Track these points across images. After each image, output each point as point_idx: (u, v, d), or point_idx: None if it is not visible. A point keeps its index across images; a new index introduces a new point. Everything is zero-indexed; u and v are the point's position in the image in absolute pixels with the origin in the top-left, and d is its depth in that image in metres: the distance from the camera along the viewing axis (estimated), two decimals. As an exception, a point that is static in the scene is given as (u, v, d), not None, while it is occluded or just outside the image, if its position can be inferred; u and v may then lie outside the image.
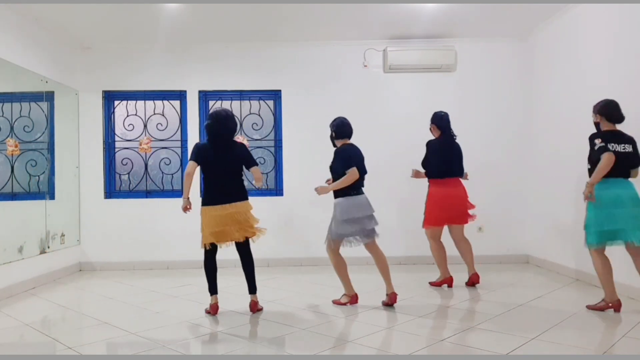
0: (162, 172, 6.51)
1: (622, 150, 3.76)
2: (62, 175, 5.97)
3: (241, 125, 6.55)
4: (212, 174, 4.10)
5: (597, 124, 4.00)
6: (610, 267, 3.90)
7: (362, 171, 4.28)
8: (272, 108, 6.62)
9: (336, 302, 4.32)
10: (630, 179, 3.86)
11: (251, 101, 6.59)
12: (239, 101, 6.58)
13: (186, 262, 6.11)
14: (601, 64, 4.84)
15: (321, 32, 6.17)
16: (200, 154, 4.08)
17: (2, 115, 5.24)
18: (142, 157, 6.50)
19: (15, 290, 4.93)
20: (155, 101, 6.55)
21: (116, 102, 6.56)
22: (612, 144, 3.76)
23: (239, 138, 6.49)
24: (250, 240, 4.17)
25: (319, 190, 4.26)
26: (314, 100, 6.43)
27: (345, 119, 4.46)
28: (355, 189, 4.22)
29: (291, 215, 6.39)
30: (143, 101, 6.55)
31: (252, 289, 4.19)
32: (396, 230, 6.33)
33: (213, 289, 4.12)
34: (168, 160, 6.49)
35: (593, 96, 4.88)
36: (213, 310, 4.08)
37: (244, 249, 4.19)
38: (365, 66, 6.44)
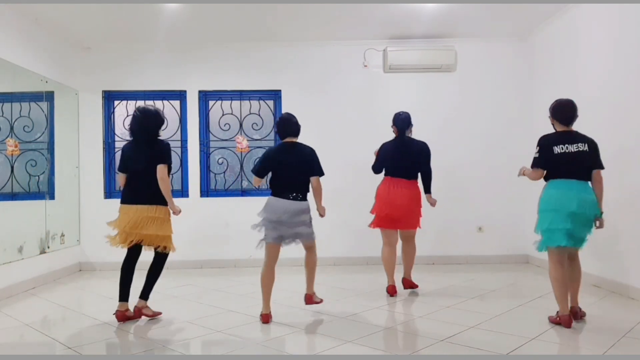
0: (162, 172, 6.51)
1: (575, 150, 3.55)
2: (62, 175, 5.97)
3: (241, 125, 6.55)
4: (130, 172, 3.98)
5: (553, 125, 3.81)
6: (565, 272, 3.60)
7: (289, 174, 3.91)
8: (272, 108, 6.62)
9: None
10: (589, 183, 3.61)
11: (251, 101, 6.59)
12: (239, 101, 6.59)
13: (186, 262, 6.11)
14: (601, 64, 4.84)
15: (321, 32, 6.17)
16: (123, 156, 4.04)
17: (2, 115, 5.24)
18: (142, 157, 6.50)
19: (15, 290, 4.93)
20: (155, 101, 6.54)
21: (116, 102, 6.57)
22: (563, 145, 3.56)
23: (238, 138, 6.51)
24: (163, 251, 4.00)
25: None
26: (314, 100, 6.43)
27: (288, 115, 4.10)
28: (282, 191, 3.88)
29: (291, 215, 6.39)
30: (143, 101, 6.55)
31: (145, 295, 4.01)
32: (396, 230, 6.34)
33: (124, 295, 3.91)
34: (168, 160, 6.48)
35: (593, 96, 4.89)
36: (119, 317, 3.85)
37: (158, 256, 4.06)
38: (365, 66, 6.44)
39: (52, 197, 5.77)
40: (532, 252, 6.33)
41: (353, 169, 6.31)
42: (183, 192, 6.49)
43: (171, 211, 4.01)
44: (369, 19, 5.74)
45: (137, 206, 3.87)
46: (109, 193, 6.47)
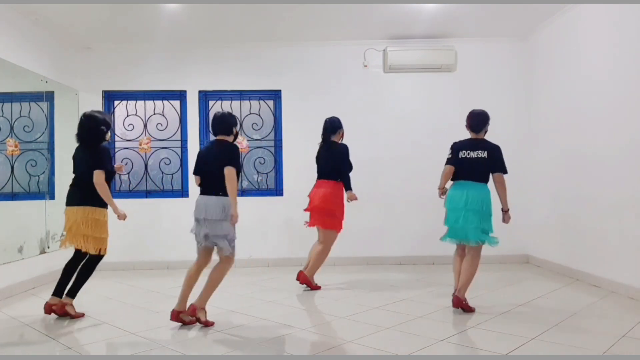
0: (162, 172, 6.51)
1: (475, 157, 4.17)
2: (62, 175, 5.95)
3: (241, 125, 6.55)
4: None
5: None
6: (458, 262, 4.19)
7: (202, 171, 4.05)
8: (272, 108, 6.62)
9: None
10: (486, 183, 4.25)
11: (251, 101, 6.59)
12: (239, 101, 6.59)
13: (186, 262, 6.05)
14: (601, 64, 4.84)
15: (321, 32, 6.17)
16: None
17: (2, 115, 5.24)
18: (142, 157, 6.51)
19: (15, 290, 4.93)
20: (155, 101, 6.55)
21: (116, 102, 6.57)
22: (466, 151, 4.19)
23: (238, 138, 6.50)
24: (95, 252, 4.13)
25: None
26: (314, 100, 6.42)
27: (219, 114, 4.03)
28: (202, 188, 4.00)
29: (291, 215, 6.39)
30: (143, 101, 6.55)
31: (74, 293, 4.06)
32: (395, 230, 6.34)
33: (58, 291, 4.01)
34: (168, 160, 6.50)
35: (593, 96, 4.90)
36: (46, 310, 3.96)
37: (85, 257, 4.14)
38: (365, 66, 6.44)
39: (52, 197, 5.76)
40: (532, 252, 6.34)
41: (353, 168, 6.31)
42: (183, 192, 6.49)
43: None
44: (369, 19, 5.74)
45: (74, 207, 4.08)
46: (109, 193, 6.46)
